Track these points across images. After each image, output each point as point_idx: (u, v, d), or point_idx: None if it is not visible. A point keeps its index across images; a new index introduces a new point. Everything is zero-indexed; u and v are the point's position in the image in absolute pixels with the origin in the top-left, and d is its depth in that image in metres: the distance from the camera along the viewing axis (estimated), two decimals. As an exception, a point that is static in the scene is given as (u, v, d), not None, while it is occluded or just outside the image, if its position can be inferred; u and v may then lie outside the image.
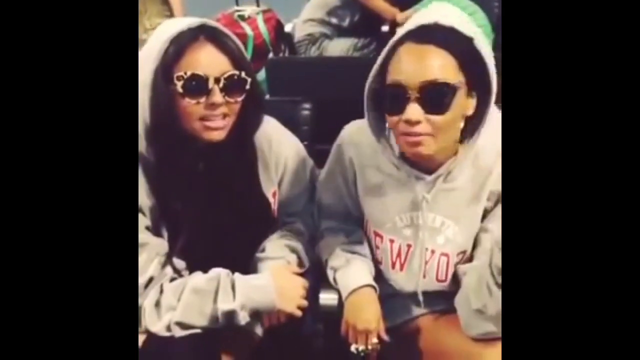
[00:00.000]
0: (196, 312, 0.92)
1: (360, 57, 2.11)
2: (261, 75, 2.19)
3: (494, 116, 0.88)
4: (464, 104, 0.86)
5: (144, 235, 0.93)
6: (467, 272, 0.96)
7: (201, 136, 0.93)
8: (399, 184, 1.00)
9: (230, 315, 0.92)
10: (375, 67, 0.90)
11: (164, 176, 0.94)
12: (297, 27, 2.28)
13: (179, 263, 0.97)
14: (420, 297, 1.05)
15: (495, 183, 0.95)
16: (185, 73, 0.88)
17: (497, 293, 0.84)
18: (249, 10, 2.31)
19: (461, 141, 0.94)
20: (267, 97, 1.96)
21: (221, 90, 0.90)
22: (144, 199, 0.94)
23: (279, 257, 1.04)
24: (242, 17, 2.28)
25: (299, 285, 1.00)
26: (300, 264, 1.08)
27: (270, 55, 2.30)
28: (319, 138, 1.37)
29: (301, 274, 1.04)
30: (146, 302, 0.92)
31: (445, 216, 0.98)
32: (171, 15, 2.31)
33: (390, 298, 1.07)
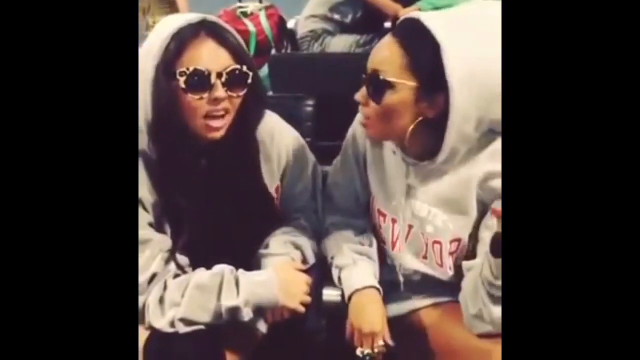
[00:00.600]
0: (200, 308, 0.92)
1: (362, 54, 2.10)
2: (264, 71, 2.19)
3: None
4: (409, 104, 0.87)
5: (147, 232, 0.94)
6: (469, 272, 0.95)
7: (203, 134, 0.93)
8: (397, 166, 1.00)
9: (234, 311, 0.92)
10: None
11: (166, 172, 0.94)
12: (300, 23, 2.28)
13: (182, 259, 0.98)
14: (416, 277, 1.05)
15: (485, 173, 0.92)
16: (188, 69, 0.88)
17: (490, 305, 0.85)
18: (251, 6, 2.31)
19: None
20: (270, 93, 1.96)
21: (223, 85, 0.90)
22: (147, 195, 0.94)
23: (282, 253, 1.04)
24: (244, 14, 2.28)
25: (302, 282, 1.00)
26: (304, 260, 1.08)
27: (273, 51, 2.30)
28: (321, 134, 1.37)
29: (305, 270, 1.04)
30: (150, 298, 0.92)
31: (432, 204, 0.97)
32: (175, 11, 2.31)
33: (392, 286, 1.07)
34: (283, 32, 2.35)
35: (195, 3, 2.41)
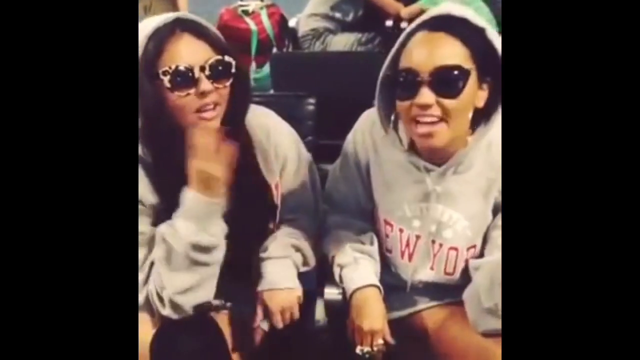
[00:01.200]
0: (174, 272, 0.88)
1: (364, 52, 2.11)
2: (265, 70, 2.19)
3: None
4: (474, 93, 0.87)
5: (147, 230, 0.93)
6: (480, 269, 0.95)
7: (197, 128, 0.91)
8: (409, 174, 1.00)
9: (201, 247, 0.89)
10: (388, 58, 0.91)
11: (163, 174, 0.94)
12: (301, 22, 2.28)
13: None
14: (421, 285, 1.05)
15: None
16: (170, 67, 0.87)
17: None
18: (252, 5, 2.31)
19: (471, 133, 0.93)
20: (271, 92, 1.97)
21: (208, 77, 0.89)
22: (147, 195, 0.94)
23: (284, 256, 1.04)
24: (245, 12, 2.28)
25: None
26: (305, 262, 1.08)
27: (274, 50, 2.30)
28: (323, 133, 1.37)
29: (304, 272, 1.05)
30: (150, 287, 0.91)
31: (454, 209, 0.98)
32: (176, 10, 2.31)
33: (395, 290, 1.07)
34: (284, 31, 2.34)
35: (196, 1, 2.41)
